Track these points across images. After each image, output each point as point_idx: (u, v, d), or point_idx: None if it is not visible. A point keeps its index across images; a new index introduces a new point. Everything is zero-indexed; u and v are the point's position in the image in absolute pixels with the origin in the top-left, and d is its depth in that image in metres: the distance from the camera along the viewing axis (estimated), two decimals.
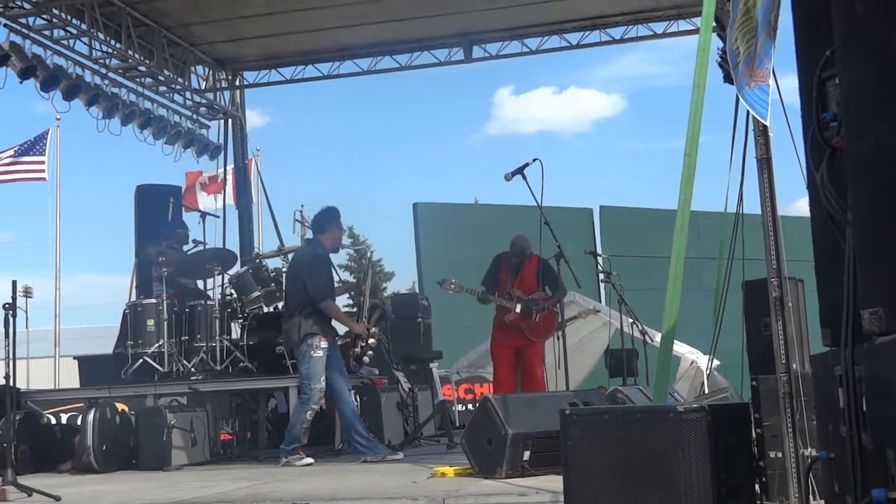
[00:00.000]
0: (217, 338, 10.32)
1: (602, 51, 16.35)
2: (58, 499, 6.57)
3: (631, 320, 11.49)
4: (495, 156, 72.80)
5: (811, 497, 4.55)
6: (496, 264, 10.19)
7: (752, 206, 5.48)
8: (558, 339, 9.63)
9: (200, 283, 11.43)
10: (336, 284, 9.64)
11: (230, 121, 15.41)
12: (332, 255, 9.40)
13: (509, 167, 8.81)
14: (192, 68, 14.50)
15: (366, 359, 9.17)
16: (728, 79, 6.19)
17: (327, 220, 9.24)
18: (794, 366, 4.99)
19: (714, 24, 6.24)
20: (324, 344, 8.84)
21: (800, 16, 3.48)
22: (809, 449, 4.84)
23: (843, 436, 3.08)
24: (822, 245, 3.30)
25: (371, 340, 9.20)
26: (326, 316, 9.01)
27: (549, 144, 74.50)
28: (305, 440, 8.90)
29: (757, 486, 5.05)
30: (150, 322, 10.48)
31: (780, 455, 4.93)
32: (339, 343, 9.25)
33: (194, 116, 14.90)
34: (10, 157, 20.23)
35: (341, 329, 9.59)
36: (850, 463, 2.99)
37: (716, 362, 11.86)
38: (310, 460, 8.74)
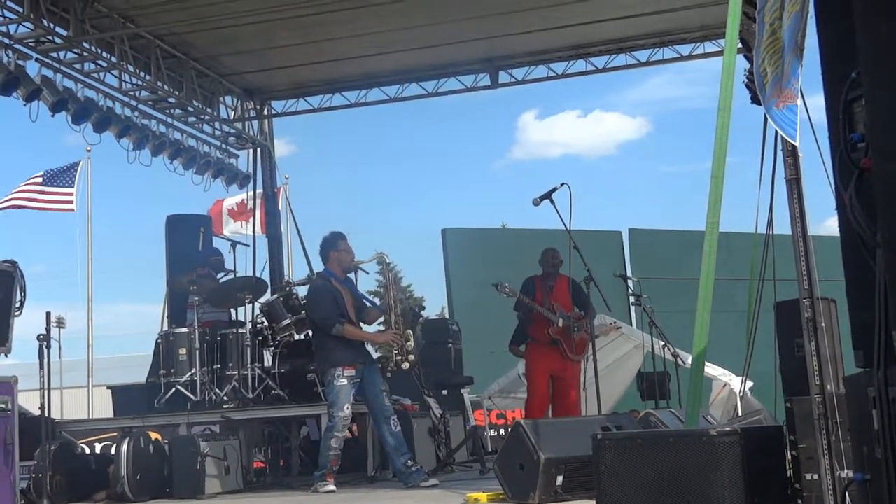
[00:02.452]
0: (249, 366, 10.35)
1: (627, 74, 16.39)
2: None
3: (662, 343, 11.44)
4: (522, 181, 72.81)
5: None
6: (529, 286, 10.15)
7: (783, 226, 5.46)
8: (586, 361, 9.62)
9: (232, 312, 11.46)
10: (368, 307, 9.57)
11: (259, 150, 15.52)
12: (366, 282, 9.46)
13: (536, 192, 8.85)
14: (221, 99, 14.62)
15: (405, 364, 9.03)
16: (755, 100, 6.18)
17: (325, 247, 9.31)
18: (829, 387, 4.95)
19: (740, 45, 6.24)
20: (348, 372, 8.82)
21: (826, 37, 3.48)
22: (846, 471, 4.79)
23: (878, 457, 3.05)
24: (853, 266, 3.29)
25: (408, 343, 9.10)
26: (350, 343, 8.98)
27: (575, 168, 74.46)
28: (336, 467, 8.89)
29: None
30: (183, 351, 10.52)
31: (816, 477, 4.89)
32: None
33: (223, 146, 15.00)
34: (38, 183, 20.38)
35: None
36: (885, 485, 2.97)
37: (749, 384, 11.80)
38: (332, 487, 8.72)
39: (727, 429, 4.54)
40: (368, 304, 9.53)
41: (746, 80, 8.31)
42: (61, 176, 20.66)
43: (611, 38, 13.58)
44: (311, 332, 9.72)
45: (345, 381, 8.78)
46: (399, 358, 9.00)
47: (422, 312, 10.32)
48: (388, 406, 9.03)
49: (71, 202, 20.55)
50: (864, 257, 3.08)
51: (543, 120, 76.47)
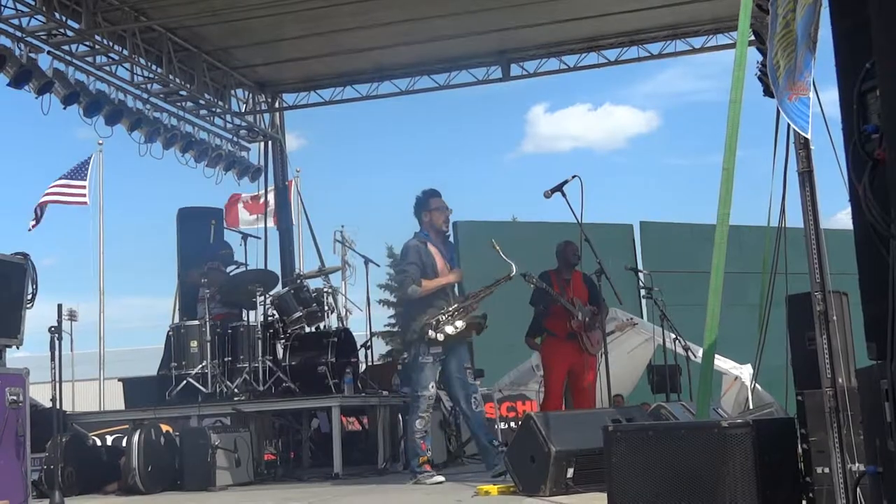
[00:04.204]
0: (260, 358, 10.36)
1: (637, 68, 16.41)
2: None
3: (673, 336, 11.40)
4: (532, 174, 72.67)
5: None
6: (545, 280, 10.02)
7: (795, 219, 5.45)
8: (601, 355, 9.57)
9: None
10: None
11: (270, 143, 15.54)
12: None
13: (547, 185, 8.77)
14: (233, 91, 14.64)
15: (449, 328, 8.25)
16: (768, 92, 6.17)
17: (417, 208, 8.79)
18: (840, 380, 4.93)
19: (753, 37, 6.22)
20: (434, 349, 8.32)
21: (840, 29, 3.47)
22: (857, 464, 4.78)
23: (890, 450, 3.05)
24: (866, 258, 3.27)
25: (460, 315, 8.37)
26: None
27: (586, 162, 74.38)
28: (428, 451, 8.34)
29: (804, 503, 5.00)
30: (194, 343, 10.54)
31: (827, 471, 4.88)
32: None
33: (235, 139, 15.03)
34: (63, 178, 20.54)
35: None
36: None
37: (749, 373, 11.78)
38: (440, 478, 8.17)
39: (739, 421, 4.53)
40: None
41: (759, 73, 8.29)
42: (76, 171, 20.79)
43: (623, 31, 13.57)
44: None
45: (430, 359, 8.33)
46: (446, 317, 8.31)
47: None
48: (471, 384, 8.59)
49: (84, 195, 20.67)
50: (878, 249, 3.07)
51: (554, 113, 76.37)
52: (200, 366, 10.40)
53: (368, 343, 11.59)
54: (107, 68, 12.39)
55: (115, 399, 14.69)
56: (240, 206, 19.80)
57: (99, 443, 10.43)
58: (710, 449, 4.34)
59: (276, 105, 15.50)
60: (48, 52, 11.44)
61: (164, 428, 9.79)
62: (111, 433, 12.11)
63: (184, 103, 13.87)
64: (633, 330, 13.74)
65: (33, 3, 10.77)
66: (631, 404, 11.28)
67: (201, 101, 13.88)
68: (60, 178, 20.69)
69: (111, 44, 12.04)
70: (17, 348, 7.43)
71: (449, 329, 8.29)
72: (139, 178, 70.99)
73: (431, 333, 8.25)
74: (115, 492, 9.00)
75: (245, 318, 10.96)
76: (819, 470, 4.91)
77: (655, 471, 4.43)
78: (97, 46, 11.94)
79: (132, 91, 12.86)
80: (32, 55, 11.08)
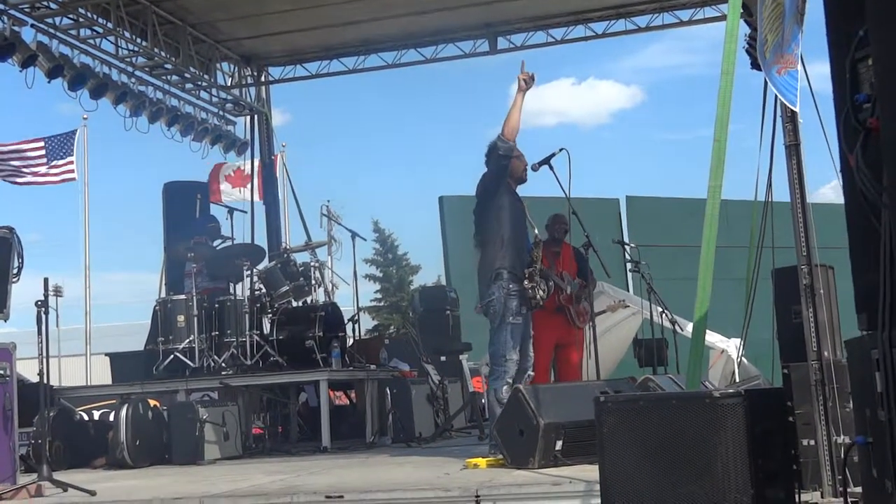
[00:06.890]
0: (247, 333, 10.37)
1: (622, 42, 16.35)
2: (93, 493, 6.62)
3: (660, 309, 11.43)
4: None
5: (847, 484, 4.52)
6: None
7: (780, 194, 5.46)
8: (589, 328, 9.57)
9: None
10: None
11: (256, 116, 15.46)
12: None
13: (531, 159, 8.73)
14: (218, 65, 14.54)
15: (541, 292, 7.36)
16: (756, 65, 6.17)
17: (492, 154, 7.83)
18: (826, 353, 4.97)
19: (741, 10, 6.22)
20: (524, 309, 7.49)
21: None
22: (842, 436, 4.82)
23: (881, 420, 3.06)
24: (857, 229, 3.28)
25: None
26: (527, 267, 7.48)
27: (571, 136, 74.20)
28: None
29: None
30: (181, 318, 10.54)
31: (812, 443, 4.91)
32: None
33: (221, 113, 14.94)
34: (41, 156, 20.29)
35: None
36: (888, 447, 2.98)
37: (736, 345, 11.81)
38: None
39: (730, 391, 4.54)
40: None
41: (747, 46, 8.28)
42: (61, 146, 20.58)
43: (611, 4, 13.51)
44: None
45: (520, 320, 7.46)
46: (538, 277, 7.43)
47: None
48: (530, 355, 7.69)
49: (72, 171, 20.50)
50: (869, 219, 3.07)
51: (537, 87, 75.87)
52: (187, 340, 10.40)
53: (356, 317, 11.60)
54: (91, 41, 12.29)
55: (102, 374, 14.68)
56: (221, 178, 19.71)
57: (86, 417, 10.42)
58: (701, 419, 4.35)
59: (262, 79, 15.41)
60: (32, 26, 11.33)
61: (152, 402, 9.80)
62: (98, 408, 12.12)
63: (169, 77, 13.77)
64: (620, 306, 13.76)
65: None
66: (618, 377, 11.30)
67: (186, 75, 13.78)
68: (40, 154, 20.43)
69: (95, 17, 11.94)
70: (4, 322, 7.42)
71: (541, 293, 7.49)
72: (125, 152, 70.53)
73: (531, 293, 7.39)
74: (103, 466, 9.02)
75: (232, 293, 10.95)
76: (805, 442, 4.95)
77: (647, 441, 4.44)
78: (81, 19, 11.84)
79: (117, 64, 12.76)
80: (16, 28, 10.98)
